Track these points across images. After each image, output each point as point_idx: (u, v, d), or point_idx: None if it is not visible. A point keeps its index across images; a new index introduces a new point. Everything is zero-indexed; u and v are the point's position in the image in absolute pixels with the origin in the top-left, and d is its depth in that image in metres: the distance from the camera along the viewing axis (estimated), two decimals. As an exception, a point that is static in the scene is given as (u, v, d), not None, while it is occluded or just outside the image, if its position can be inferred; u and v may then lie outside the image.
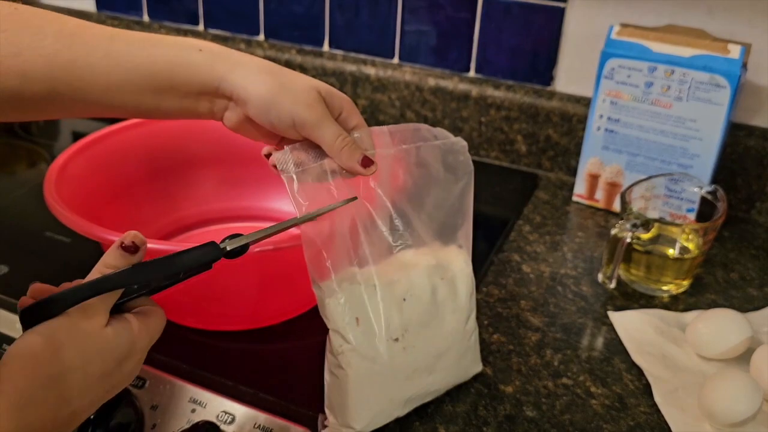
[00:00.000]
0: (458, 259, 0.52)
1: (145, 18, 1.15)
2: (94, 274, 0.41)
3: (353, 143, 0.48)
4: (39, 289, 0.41)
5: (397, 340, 0.49)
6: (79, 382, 0.38)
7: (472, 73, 0.96)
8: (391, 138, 0.50)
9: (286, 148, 0.48)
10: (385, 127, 0.50)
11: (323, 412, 0.50)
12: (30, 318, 0.39)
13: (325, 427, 0.50)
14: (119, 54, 0.44)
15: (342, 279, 0.48)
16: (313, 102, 0.46)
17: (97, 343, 0.39)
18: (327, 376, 0.50)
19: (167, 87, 0.46)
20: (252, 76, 0.46)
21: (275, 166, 0.48)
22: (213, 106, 0.48)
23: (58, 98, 0.44)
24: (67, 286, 0.41)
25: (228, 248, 0.43)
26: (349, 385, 0.48)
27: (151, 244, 0.53)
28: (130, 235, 0.42)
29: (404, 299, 0.49)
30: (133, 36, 0.46)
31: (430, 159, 0.50)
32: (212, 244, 0.43)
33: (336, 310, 0.47)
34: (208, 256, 0.42)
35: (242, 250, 0.44)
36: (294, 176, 0.47)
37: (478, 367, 0.56)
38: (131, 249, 0.42)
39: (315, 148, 0.48)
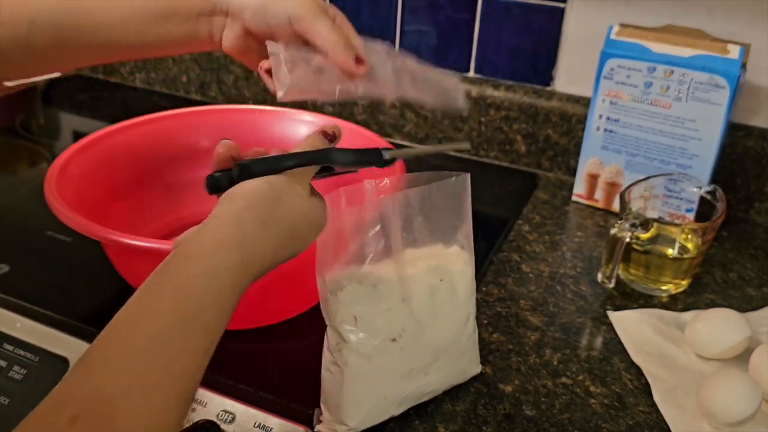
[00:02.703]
0: (459, 260, 0.52)
1: (146, 18, 1.15)
2: (298, 149, 0.45)
3: (348, 40, 0.49)
4: (231, 149, 0.45)
5: (394, 339, 0.49)
6: (285, 233, 0.42)
7: (471, 73, 0.96)
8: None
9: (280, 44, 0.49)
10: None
11: (319, 407, 0.51)
12: (228, 179, 0.44)
13: (319, 422, 0.50)
14: None
15: (344, 276, 0.48)
16: (319, 9, 0.49)
17: (304, 205, 0.43)
18: (324, 372, 0.50)
19: (170, 12, 0.47)
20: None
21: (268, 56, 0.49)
22: (212, 27, 0.49)
23: (64, 44, 0.46)
24: (263, 153, 0.45)
25: (387, 157, 0.46)
26: (345, 382, 0.48)
27: (152, 244, 0.54)
28: (330, 125, 0.46)
29: (403, 299, 0.49)
30: None
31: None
32: (377, 151, 0.46)
33: (336, 307, 0.48)
34: (372, 158, 0.46)
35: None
36: (282, 57, 0.48)
37: (476, 369, 0.56)
38: (330, 136, 0.46)
39: (309, 51, 0.49)
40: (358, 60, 0.49)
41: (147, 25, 0.47)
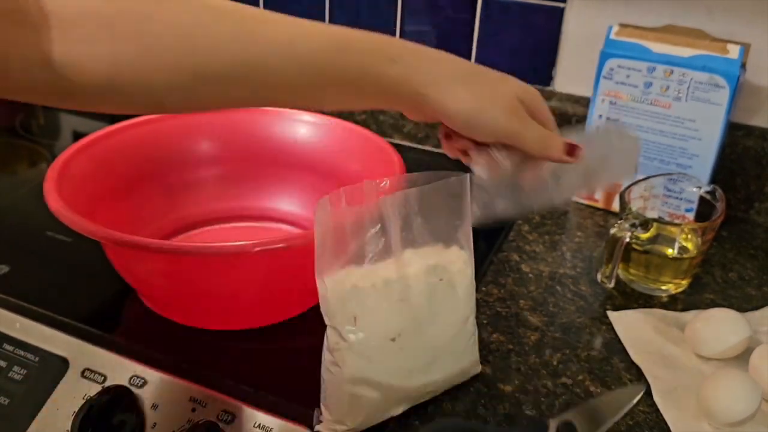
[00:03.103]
0: (458, 260, 0.52)
1: (145, 18, 1.15)
2: None
3: (553, 137, 0.48)
4: None
5: (393, 339, 0.49)
6: None
7: (471, 73, 0.96)
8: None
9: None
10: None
11: (319, 407, 0.51)
12: None
13: (319, 422, 0.50)
14: (300, 55, 0.42)
15: (343, 276, 0.48)
16: (513, 111, 0.46)
17: None
18: (324, 373, 0.50)
19: (354, 93, 0.44)
20: (452, 92, 0.45)
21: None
22: (403, 110, 0.48)
23: (230, 95, 0.42)
24: None
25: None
26: (345, 382, 0.48)
27: (150, 244, 0.54)
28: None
29: (402, 299, 0.49)
30: (314, 34, 0.43)
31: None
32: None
33: (335, 307, 0.48)
34: None
35: None
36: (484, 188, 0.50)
37: (476, 369, 0.56)
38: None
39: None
40: (570, 147, 0.48)
41: (324, 93, 0.44)
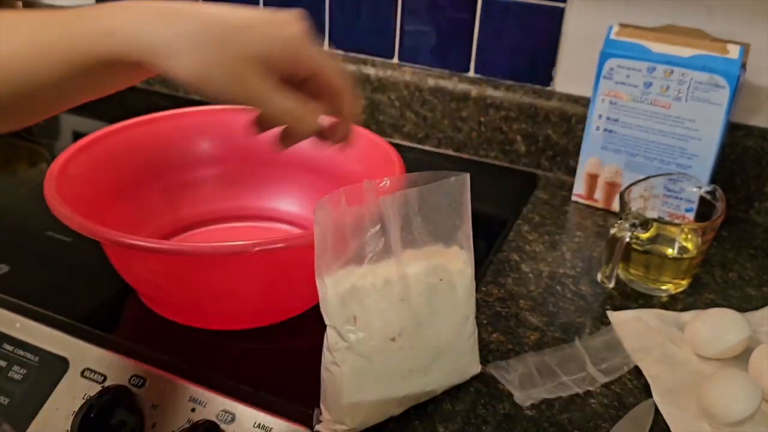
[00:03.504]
0: (458, 260, 0.52)
1: (145, 18, 1.15)
2: None
3: (304, 110, 0.43)
4: None
5: (393, 339, 0.49)
6: None
7: (471, 74, 0.96)
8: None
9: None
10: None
11: (319, 407, 0.51)
12: None
13: (319, 422, 0.50)
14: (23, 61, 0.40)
15: (343, 276, 0.48)
16: (247, 77, 0.41)
17: None
18: (323, 372, 0.50)
19: (86, 76, 0.42)
20: (176, 59, 0.40)
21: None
22: (144, 76, 0.45)
23: None
24: None
25: None
26: (344, 382, 0.48)
27: (151, 244, 0.54)
28: None
29: (402, 299, 0.49)
30: (26, 31, 0.41)
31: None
32: None
33: (335, 307, 0.48)
34: None
35: None
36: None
37: (476, 369, 0.56)
38: None
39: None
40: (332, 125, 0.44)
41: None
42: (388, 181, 0.49)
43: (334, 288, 0.48)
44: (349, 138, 0.49)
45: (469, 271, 0.53)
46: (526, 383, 0.56)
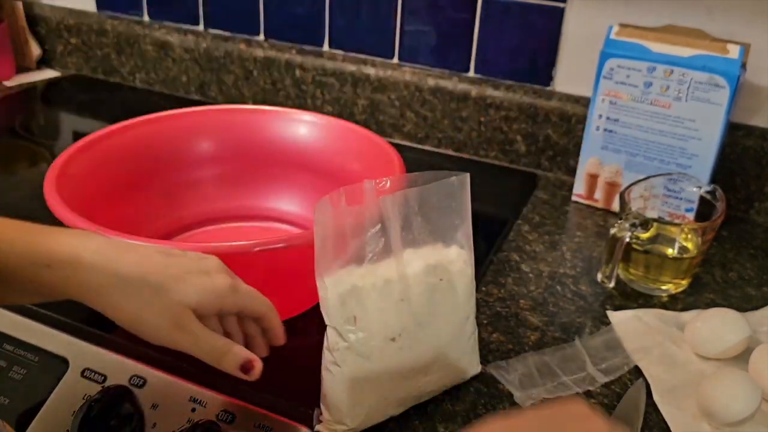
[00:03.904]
0: (458, 260, 0.52)
1: (146, 18, 1.16)
2: None
3: (228, 351, 0.46)
4: None
5: (393, 339, 0.49)
6: None
7: (471, 73, 0.96)
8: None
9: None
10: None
11: (319, 407, 0.51)
12: None
13: (319, 422, 0.50)
14: None
15: (343, 276, 0.48)
16: (178, 321, 0.44)
17: None
18: (324, 372, 0.50)
19: (16, 290, 0.44)
20: (109, 301, 0.44)
21: None
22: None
23: None
24: None
25: None
26: (344, 382, 0.48)
27: (150, 244, 0.54)
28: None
29: (402, 299, 0.49)
30: None
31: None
32: None
33: (335, 307, 0.48)
34: None
35: None
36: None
37: (476, 369, 0.56)
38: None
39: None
40: (246, 365, 0.47)
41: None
42: (388, 182, 0.49)
43: (335, 288, 0.48)
44: (278, 341, 0.52)
45: (469, 271, 0.53)
46: (527, 383, 0.56)
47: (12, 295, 0.45)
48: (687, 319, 0.63)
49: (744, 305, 0.67)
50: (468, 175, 0.51)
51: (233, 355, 0.47)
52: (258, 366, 0.47)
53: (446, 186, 0.50)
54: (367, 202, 0.47)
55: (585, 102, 0.88)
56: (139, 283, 0.44)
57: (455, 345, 0.53)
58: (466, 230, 0.52)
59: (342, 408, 0.49)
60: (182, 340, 0.45)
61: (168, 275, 0.45)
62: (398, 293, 0.49)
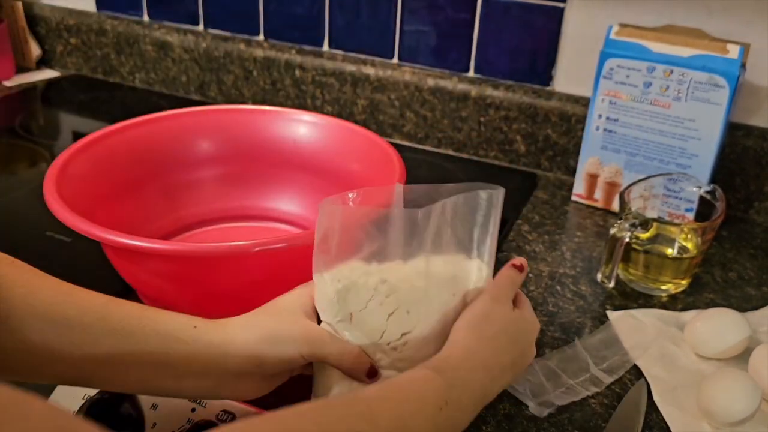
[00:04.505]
0: (479, 276, 0.50)
1: (145, 18, 1.16)
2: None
3: (356, 356, 0.47)
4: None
5: (395, 348, 0.47)
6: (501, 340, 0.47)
7: (471, 73, 0.96)
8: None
9: None
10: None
11: None
12: None
13: None
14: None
15: (344, 270, 0.47)
16: (309, 338, 0.46)
17: (509, 315, 0.49)
18: (314, 367, 0.49)
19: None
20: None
21: None
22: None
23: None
24: None
25: None
26: (333, 380, 0.47)
27: (151, 245, 0.54)
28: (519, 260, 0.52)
29: (408, 311, 0.47)
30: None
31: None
32: None
33: (331, 301, 0.47)
34: None
35: None
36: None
37: None
38: (519, 268, 0.51)
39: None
40: (372, 371, 0.47)
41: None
42: (401, 186, 0.48)
43: (335, 283, 0.47)
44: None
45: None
46: (537, 392, 0.55)
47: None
48: (687, 319, 0.63)
49: (744, 305, 0.67)
50: (502, 190, 0.50)
51: (360, 358, 0.47)
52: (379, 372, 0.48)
53: (476, 198, 0.49)
54: (375, 203, 0.47)
55: (585, 102, 0.88)
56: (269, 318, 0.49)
57: None
58: (491, 246, 0.51)
59: None
60: (334, 346, 0.46)
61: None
62: (406, 302, 0.47)
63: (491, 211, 0.50)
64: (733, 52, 0.72)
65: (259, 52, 1.06)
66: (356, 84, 1.01)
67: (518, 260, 0.51)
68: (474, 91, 0.94)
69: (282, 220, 0.77)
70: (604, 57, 0.77)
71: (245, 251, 0.53)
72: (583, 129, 0.85)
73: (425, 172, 0.93)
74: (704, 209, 0.71)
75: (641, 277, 0.69)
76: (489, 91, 0.93)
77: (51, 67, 1.25)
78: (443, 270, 0.48)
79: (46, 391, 0.57)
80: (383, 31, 0.98)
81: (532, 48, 0.91)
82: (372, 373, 0.46)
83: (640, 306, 0.67)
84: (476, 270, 0.50)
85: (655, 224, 0.66)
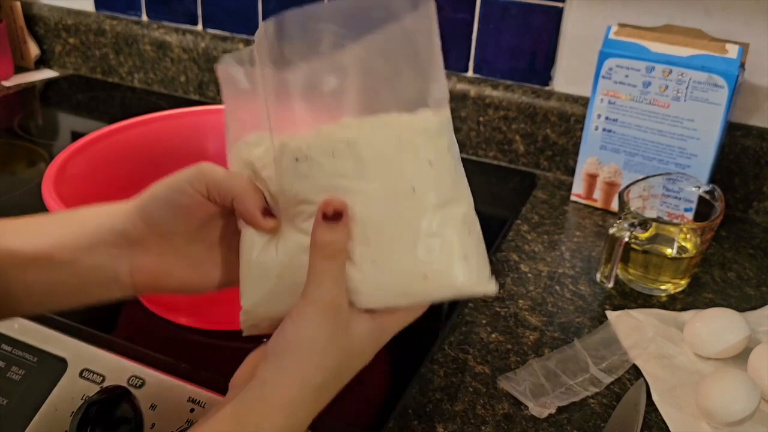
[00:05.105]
0: (426, 124, 0.39)
1: (144, 18, 1.15)
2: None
3: (247, 182, 0.43)
4: None
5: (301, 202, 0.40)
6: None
7: (470, 73, 0.96)
8: None
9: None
10: None
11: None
12: None
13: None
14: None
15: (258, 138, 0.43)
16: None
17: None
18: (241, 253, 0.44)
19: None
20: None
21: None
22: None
23: None
24: None
25: None
26: (249, 237, 0.43)
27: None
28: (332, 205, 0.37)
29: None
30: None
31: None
32: None
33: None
34: None
35: None
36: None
37: (487, 286, 0.44)
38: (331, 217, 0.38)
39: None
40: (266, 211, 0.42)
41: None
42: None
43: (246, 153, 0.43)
44: None
45: (443, 139, 0.40)
46: (537, 392, 0.55)
47: None
48: (686, 319, 0.63)
49: (743, 305, 0.67)
50: (432, 3, 0.39)
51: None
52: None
53: (403, 30, 0.38)
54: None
55: (584, 102, 0.88)
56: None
57: (391, 230, 0.39)
58: (437, 88, 0.40)
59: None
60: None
61: None
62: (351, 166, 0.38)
63: (429, 37, 0.39)
64: (732, 52, 0.72)
65: (258, 52, 1.06)
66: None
67: (329, 207, 0.37)
68: (473, 90, 0.94)
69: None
70: (603, 57, 0.77)
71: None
72: (582, 129, 0.85)
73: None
74: (703, 209, 0.71)
75: (640, 277, 0.69)
76: (488, 91, 0.93)
77: (50, 67, 1.25)
78: (383, 128, 0.39)
79: (44, 391, 0.57)
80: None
81: (532, 48, 0.91)
82: (267, 212, 0.42)
83: (639, 306, 0.67)
84: (422, 121, 0.39)
85: (654, 224, 0.66)
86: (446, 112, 0.40)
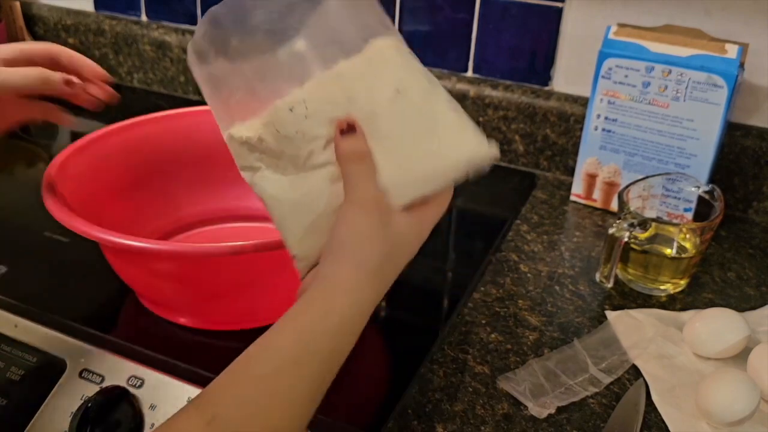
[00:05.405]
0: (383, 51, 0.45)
1: (144, 18, 1.15)
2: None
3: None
4: None
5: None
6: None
7: (470, 73, 0.96)
8: None
9: None
10: None
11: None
12: None
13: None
14: None
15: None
16: None
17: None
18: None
19: None
20: None
21: None
22: None
23: None
24: None
25: None
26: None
27: (149, 245, 0.54)
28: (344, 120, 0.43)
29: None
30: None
31: None
32: None
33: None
34: None
35: None
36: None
37: (484, 151, 0.48)
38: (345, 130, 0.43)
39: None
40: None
41: None
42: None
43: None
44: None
45: (398, 42, 0.47)
46: (537, 392, 0.55)
47: None
48: (685, 319, 0.63)
49: (742, 305, 0.67)
50: None
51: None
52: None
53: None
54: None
55: (583, 102, 0.88)
56: None
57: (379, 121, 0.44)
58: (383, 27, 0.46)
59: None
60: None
61: None
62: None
63: None
64: (732, 52, 0.72)
65: (257, 52, 1.06)
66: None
67: (342, 123, 0.43)
68: (473, 90, 0.94)
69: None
70: (602, 57, 0.77)
71: (245, 251, 0.53)
72: (581, 129, 0.85)
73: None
74: (703, 209, 0.71)
75: (640, 277, 0.69)
76: (488, 91, 0.93)
77: (49, 67, 1.25)
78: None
79: (44, 391, 0.57)
80: (382, 31, 0.98)
81: (531, 48, 0.91)
82: (68, 82, 0.52)
83: (638, 306, 0.67)
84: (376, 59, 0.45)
85: (653, 224, 0.66)
86: (394, 29, 0.48)
